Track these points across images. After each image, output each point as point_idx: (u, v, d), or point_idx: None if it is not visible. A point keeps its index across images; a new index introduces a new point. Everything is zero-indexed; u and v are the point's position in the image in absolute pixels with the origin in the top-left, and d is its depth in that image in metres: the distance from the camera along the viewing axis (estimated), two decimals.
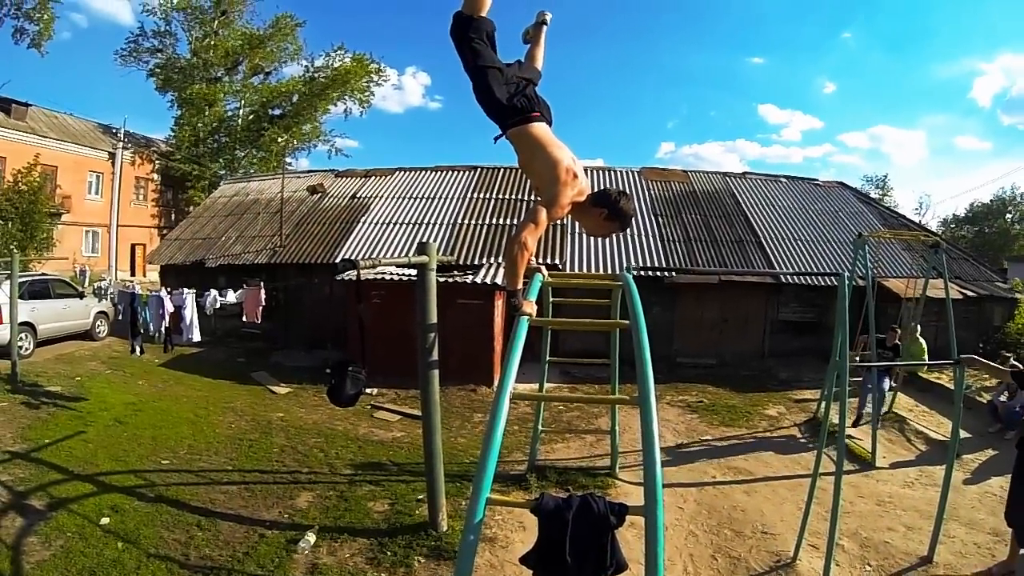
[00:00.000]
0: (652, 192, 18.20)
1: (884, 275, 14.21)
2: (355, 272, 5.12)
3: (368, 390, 11.00)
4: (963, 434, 8.96)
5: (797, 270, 14.71)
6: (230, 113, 34.13)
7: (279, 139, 32.52)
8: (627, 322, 3.30)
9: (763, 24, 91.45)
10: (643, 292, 12.66)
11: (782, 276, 14.39)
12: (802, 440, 9.24)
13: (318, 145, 35.69)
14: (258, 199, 19.80)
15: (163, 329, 10.81)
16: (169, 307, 11.12)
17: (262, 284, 11.18)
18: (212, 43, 32.73)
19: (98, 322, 14.88)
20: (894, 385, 10.10)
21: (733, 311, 14.66)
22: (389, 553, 5.29)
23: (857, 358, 9.49)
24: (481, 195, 18.04)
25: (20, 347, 11.28)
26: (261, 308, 10.92)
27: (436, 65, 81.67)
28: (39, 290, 13.38)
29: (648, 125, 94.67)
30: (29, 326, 12.40)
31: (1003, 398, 9.74)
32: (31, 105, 29.08)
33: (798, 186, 19.73)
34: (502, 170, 19.41)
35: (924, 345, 10.04)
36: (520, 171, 18.36)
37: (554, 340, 12.84)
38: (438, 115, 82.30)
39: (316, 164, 37.39)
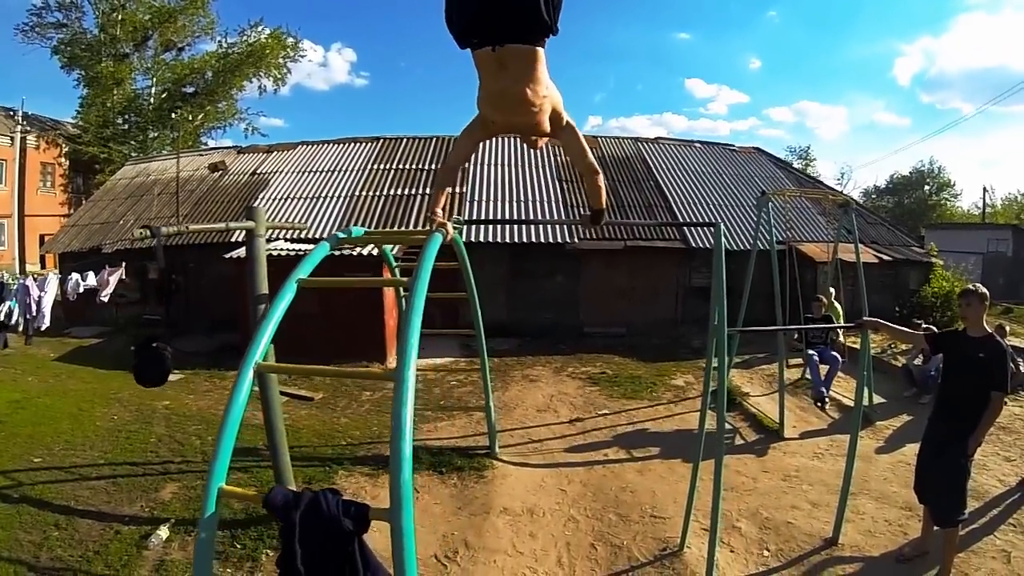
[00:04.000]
0: (558, 158, 17.33)
1: (800, 239, 13.95)
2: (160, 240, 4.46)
3: None
4: (877, 399, 8.77)
5: (673, 221, 14.68)
6: (141, 91, 32.21)
7: (193, 118, 31.04)
8: (406, 280, 2.80)
9: None
10: (545, 260, 12.12)
11: (646, 228, 14.19)
12: (710, 410, 8.90)
13: (234, 124, 34.01)
14: (159, 180, 18.81)
15: (28, 318, 10.09)
16: (35, 294, 10.37)
17: (123, 265, 10.45)
18: (120, 17, 30.73)
19: None
20: (844, 358, 9.18)
21: (642, 278, 14.27)
22: (239, 546, 4.91)
23: (796, 336, 9.18)
24: (382, 166, 17.52)
25: None
26: (111, 288, 10.20)
27: (362, 41, 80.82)
28: None
29: (574, 99, 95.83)
30: None
31: (918, 361, 9.56)
32: None
33: (713, 151, 19.49)
34: (404, 140, 19.01)
35: (840, 310, 9.81)
36: (421, 141, 18.65)
37: (454, 312, 12.56)
38: (365, 91, 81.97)
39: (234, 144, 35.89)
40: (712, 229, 4.63)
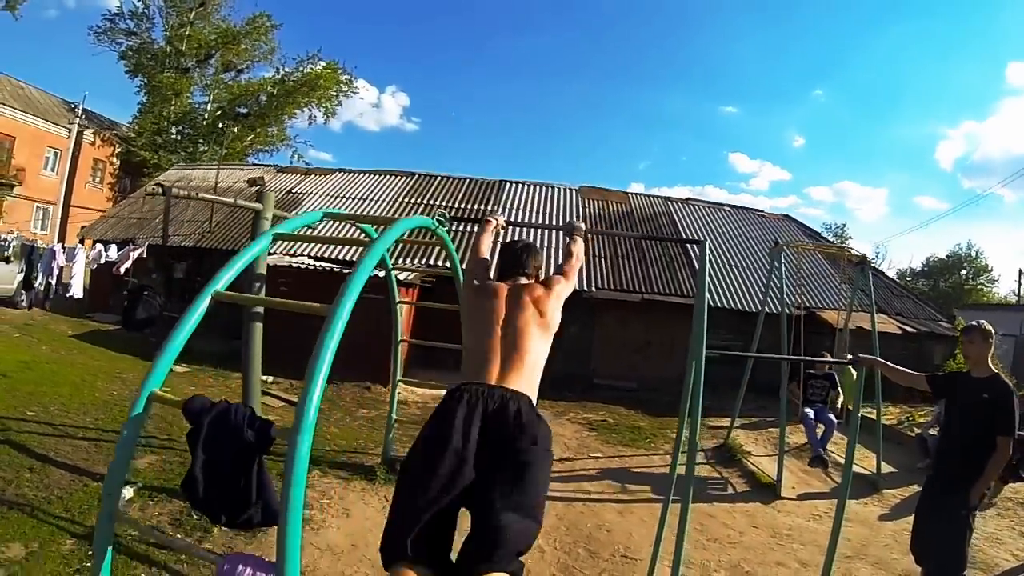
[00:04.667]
0: (587, 210, 18.03)
1: (821, 307, 13.86)
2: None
3: (265, 377, 10.53)
4: (888, 468, 8.44)
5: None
6: (197, 106, 33.47)
7: (243, 138, 32.00)
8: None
9: (738, 74, 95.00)
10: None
11: (663, 282, 13.99)
12: (706, 466, 8.50)
13: (281, 149, 34.96)
14: (199, 187, 19.22)
15: (50, 281, 10.61)
16: (60, 261, 10.84)
17: (147, 244, 10.90)
18: (187, 33, 32.15)
19: (22, 290, 13.99)
20: (840, 419, 8.95)
21: (658, 333, 14.01)
22: (195, 517, 4.86)
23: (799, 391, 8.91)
24: (413, 200, 17.78)
25: None
26: (129, 263, 10.65)
27: (416, 87, 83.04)
28: None
29: (620, 165, 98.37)
30: None
31: (933, 431, 9.14)
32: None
33: (741, 215, 19.55)
34: (438, 178, 19.33)
35: (855, 375, 9.47)
36: (454, 181, 19.15)
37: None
38: (414, 136, 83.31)
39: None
40: (698, 247, 4.51)
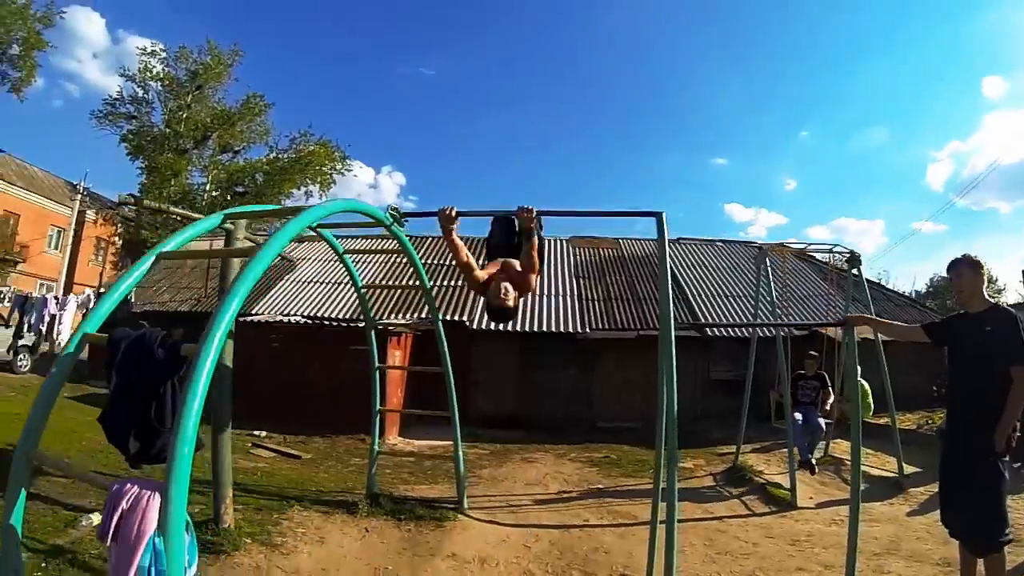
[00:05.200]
0: (578, 258, 18.28)
1: (824, 323, 13.51)
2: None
3: (257, 432, 10.59)
4: (911, 469, 8.22)
5: None
6: (195, 186, 33.92)
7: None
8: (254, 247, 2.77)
9: (725, 126, 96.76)
10: (557, 351, 12.01)
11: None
12: (715, 488, 8.28)
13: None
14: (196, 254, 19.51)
15: (41, 329, 10.76)
16: (52, 309, 10.99)
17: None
18: (185, 116, 32.84)
19: (20, 355, 13.67)
20: (828, 421, 8.74)
21: (657, 369, 13.49)
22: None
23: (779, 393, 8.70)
24: (404, 259, 17.75)
25: None
26: None
27: (411, 166, 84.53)
28: None
29: (617, 229, 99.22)
30: None
31: None
32: (2, 152, 29.63)
33: (734, 248, 19.61)
34: (429, 239, 19.52)
35: (867, 388, 9.06)
36: (440, 240, 19.09)
37: (465, 400, 12.18)
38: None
39: None
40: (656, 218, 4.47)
